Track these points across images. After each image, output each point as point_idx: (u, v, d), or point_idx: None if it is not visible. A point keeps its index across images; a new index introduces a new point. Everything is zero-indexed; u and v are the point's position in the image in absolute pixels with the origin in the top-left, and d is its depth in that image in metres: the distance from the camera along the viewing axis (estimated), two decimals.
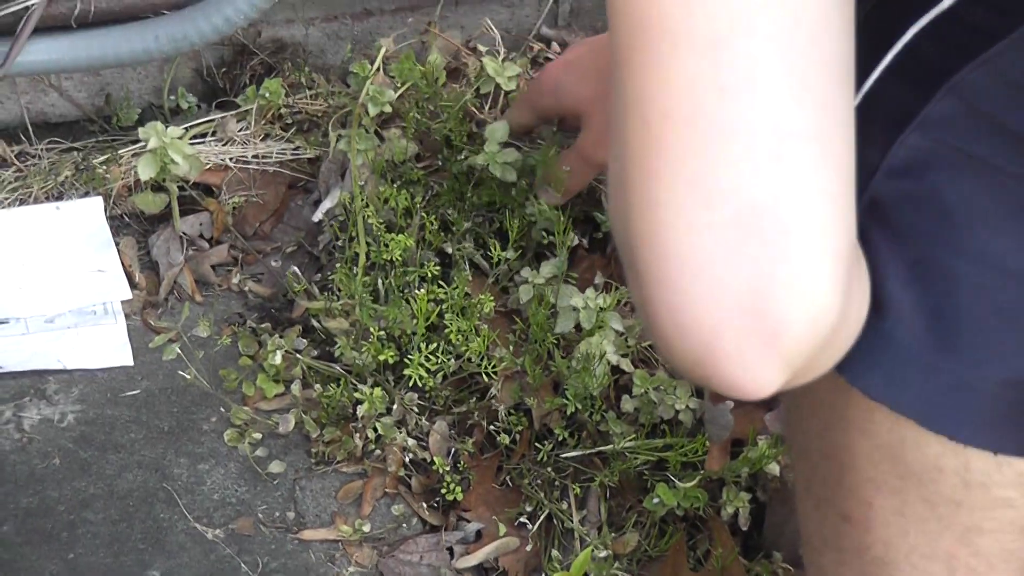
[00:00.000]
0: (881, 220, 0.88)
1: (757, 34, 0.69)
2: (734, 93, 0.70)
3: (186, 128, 1.63)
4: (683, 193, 0.70)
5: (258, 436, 1.50)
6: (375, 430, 1.50)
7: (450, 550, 1.44)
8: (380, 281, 1.53)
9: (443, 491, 1.46)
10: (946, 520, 1.00)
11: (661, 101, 0.70)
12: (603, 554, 1.41)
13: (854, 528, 1.06)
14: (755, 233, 0.69)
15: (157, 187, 1.59)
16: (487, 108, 1.69)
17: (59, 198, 1.62)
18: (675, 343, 0.71)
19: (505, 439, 1.50)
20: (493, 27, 1.76)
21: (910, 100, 0.85)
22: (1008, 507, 0.99)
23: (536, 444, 1.50)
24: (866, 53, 0.83)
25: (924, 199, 0.87)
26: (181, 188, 1.60)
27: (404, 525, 1.46)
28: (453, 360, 1.51)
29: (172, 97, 1.74)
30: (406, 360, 1.50)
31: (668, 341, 0.71)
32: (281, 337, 1.54)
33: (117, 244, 1.61)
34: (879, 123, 0.86)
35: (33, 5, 1.56)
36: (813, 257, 0.69)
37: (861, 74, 0.85)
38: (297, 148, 1.68)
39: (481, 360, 1.50)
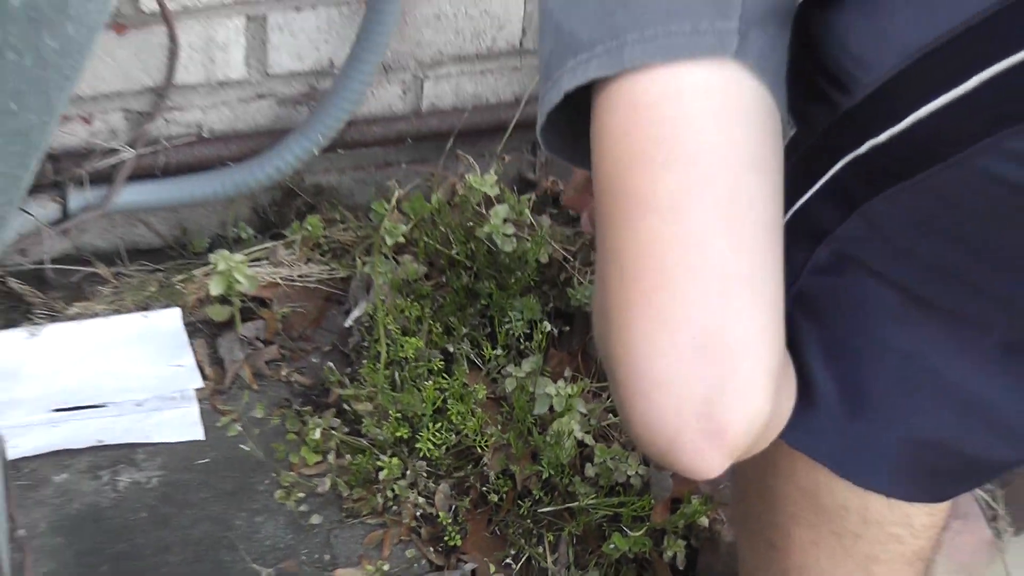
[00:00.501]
0: (806, 309, 0.93)
1: (706, 202, 0.73)
2: (688, 247, 0.74)
3: (246, 254, 1.69)
4: (650, 323, 0.74)
5: (301, 495, 1.54)
6: (393, 491, 1.52)
7: None
8: (397, 373, 1.58)
9: (446, 538, 1.49)
10: (849, 550, 1.06)
11: (633, 251, 0.75)
12: None
13: (778, 554, 1.11)
14: (706, 357, 0.74)
15: (223, 300, 1.66)
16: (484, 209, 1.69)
17: (146, 308, 1.67)
18: (645, 437, 0.76)
19: (494, 497, 1.51)
20: (472, 159, 1.77)
21: (830, 219, 0.89)
22: (898, 542, 1.06)
23: (519, 501, 1.51)
24: (801, 179, 0.90)
25: (839, 294, 0.92)
26: (242, 300, 1.67)
27: (415, 565, 1.49)
28: (454, 435, 1.54)
29: (234, 229, 1.80)
30: (417, 436, 1.53)
31: (640, 436, 0.77)
32: (319, 417, 1.59)
33: (192, 344, 1.65)
34: (806, 233, 0.90)
35: (126, 159, 1.65)
36: (750, 376, 0.75)
37: (797, 194, 0.91)
38: (332, 269, 1.74)
39: (476, 436, 1.53)
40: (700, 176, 0.75)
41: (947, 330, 0.92)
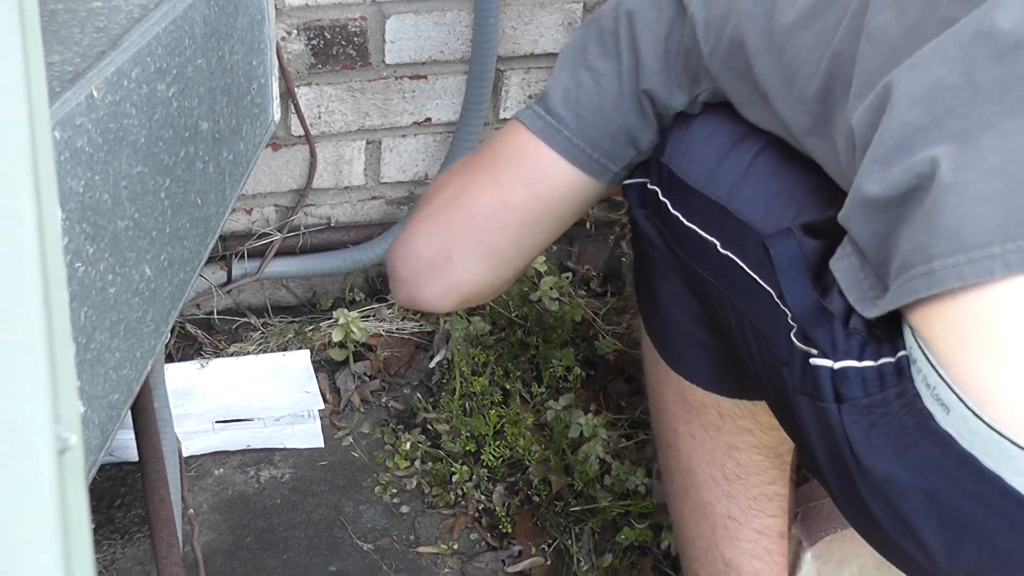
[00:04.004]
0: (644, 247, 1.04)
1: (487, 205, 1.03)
2: (471, 225, 1.04)
3: (359, 312, 1.70)
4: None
5: (394, 491, 1.54)
6: (462, 490, 1.53)
7: (503, 562, 1.47)
8: (467, 403, 1.59)
9: (500, 527, 1.49)
10: (715, 440, 1.07)
11: (445, 194, 1.06)
12: (585, 567, 1.43)
13: (671, 451, 1.12)
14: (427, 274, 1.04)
15: (342, 345, 1.68)
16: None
17: (284, 349, 1.70)
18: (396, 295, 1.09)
19: (537, 498, 1.51)
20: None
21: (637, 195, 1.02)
22: (750, 434, 1.06)
23: (554, 502, 1.51)
24: (637, 171, 1.03)
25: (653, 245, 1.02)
26: (355, 346, 1.69)
27: (477, 546, 1.49)
28: (508, 451, 1.55)
29: (351, 293, 1.80)
30: (481, 450, 1.55)
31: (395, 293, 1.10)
32: (409, 434, 1.60)
33: (317, 377, 1.66)
34: (634, 194, 1.03)
35: (275, 240, 1.69)
36: (441, 296, 1.05)
37: (634, 175, 1.04)
38: (421, 325, 1.74)
39: (524, 452, 1.54)
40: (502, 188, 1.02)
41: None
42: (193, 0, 1.16)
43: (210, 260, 1.67)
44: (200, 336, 1.74)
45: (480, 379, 1.60)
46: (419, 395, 1.68)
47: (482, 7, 1.52)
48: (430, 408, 1.65)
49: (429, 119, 1.68)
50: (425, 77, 1.63)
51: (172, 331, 1.72)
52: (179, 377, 1.64)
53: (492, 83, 1.61)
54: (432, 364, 1.72)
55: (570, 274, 1.78)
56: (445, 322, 1.72)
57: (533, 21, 1.63)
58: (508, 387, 1.63)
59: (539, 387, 1.63)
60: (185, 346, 1.73)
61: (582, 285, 1.83)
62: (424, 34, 1.58)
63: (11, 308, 0.28)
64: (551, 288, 1.63)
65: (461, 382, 1.62)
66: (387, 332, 1.76)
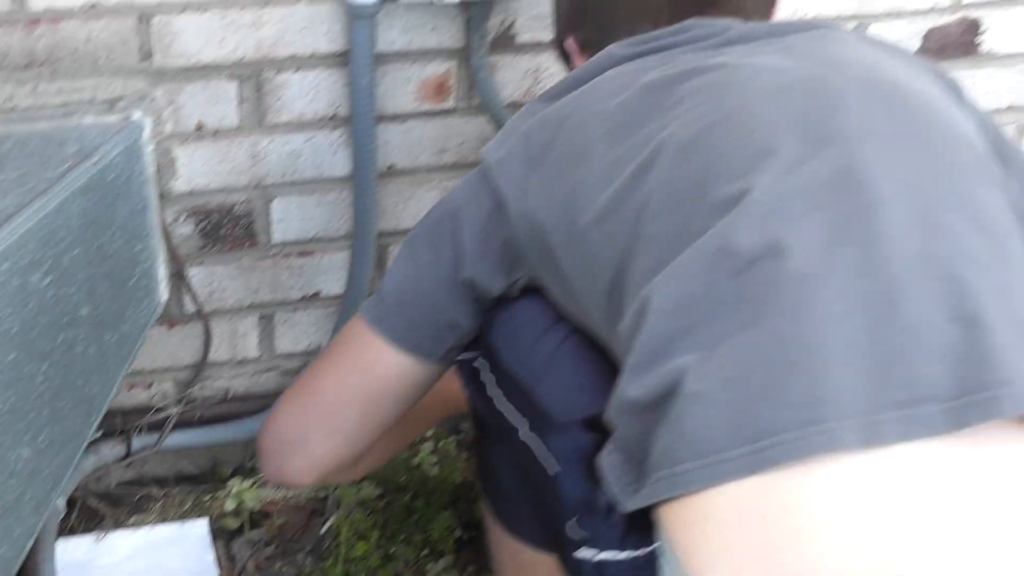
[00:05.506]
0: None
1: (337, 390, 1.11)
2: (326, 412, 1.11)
3: (254, 481, 1.75)
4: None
5: None
6: None
7: None
8: (353, 566, 1.62)
9: None
10: None
11: (305, 385, 1.17)
12: None
13: None
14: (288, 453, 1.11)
15: (236, 513, 1.72)
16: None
17: (184, 519, 1.72)
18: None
19: None
20: None
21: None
22: None
23: None
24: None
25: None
26: (251, 513, 1.72)
27: None
28: None
29: (251, 461, 1.83)
30: None
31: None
32: None
33: (214, 544, 1.68)
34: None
35: (173, 413, 1.74)
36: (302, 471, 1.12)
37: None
38: (316, 492, 1.76)
39: None
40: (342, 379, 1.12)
41: None
42: (68, 195, 1.23)
43: (110, 434, 1.71)
44: (102, 509, 1.76)
45: (363, 543, 1.64)
46: (311, 559, 1.71)
47: (360, 188, 1.64)
48: (317, 574, 1.67)
49: (318, 293, 1.76)
50: (312, 253, 1.72)
51: (73, 505, 1.73)
52: (75, 551, 1.65)
53: (375, 257, 1.70)
54: (323, 530, 1.75)
55: (461, 435, 1.83)
56: (335, 488, 1.75)
57: (413, 197, 1.74)
58: (393, 550, 1.66)
59: (422, 550, 1.66)
60: (87, 519, 1.75)
61: (466, 447, 1.86)
62: (308, 214, 1.69)
63: None
64: (431, 453, 1.69)
65: (346, 548, 1.65)
66: (283, 499, 1.78)
